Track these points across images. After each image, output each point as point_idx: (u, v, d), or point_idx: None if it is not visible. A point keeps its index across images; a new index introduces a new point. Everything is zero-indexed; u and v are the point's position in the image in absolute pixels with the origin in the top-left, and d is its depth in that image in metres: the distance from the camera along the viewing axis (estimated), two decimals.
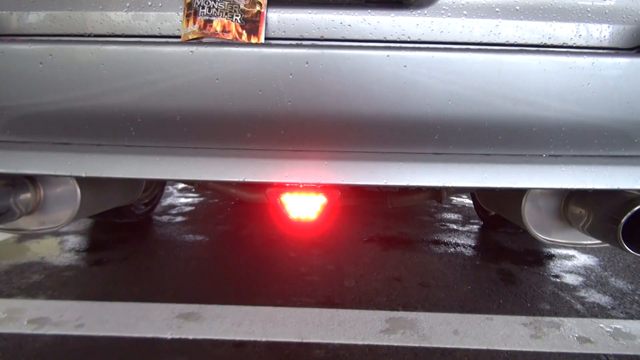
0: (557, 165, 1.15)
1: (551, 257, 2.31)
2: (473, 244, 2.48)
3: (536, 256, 2.32)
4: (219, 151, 1.13)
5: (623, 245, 1.15)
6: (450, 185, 1.12)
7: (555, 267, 2.16)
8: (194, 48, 1.01)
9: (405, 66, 1.00)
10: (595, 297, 1.82)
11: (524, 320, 1.59)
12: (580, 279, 2.02)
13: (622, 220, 1.16)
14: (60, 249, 2.24)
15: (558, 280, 1.99)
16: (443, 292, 1.83)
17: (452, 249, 2.37)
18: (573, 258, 2.30)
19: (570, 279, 2.01)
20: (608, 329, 1.54)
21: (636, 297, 1.82)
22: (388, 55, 0.99)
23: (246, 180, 1.12)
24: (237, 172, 1.12)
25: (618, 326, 1.57)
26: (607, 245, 1.34)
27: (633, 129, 1.14)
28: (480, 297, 1.80)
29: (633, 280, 2.01)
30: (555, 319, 1.61)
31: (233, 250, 2.27)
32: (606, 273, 2.10)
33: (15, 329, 1.48)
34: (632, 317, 1.64)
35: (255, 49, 1.03)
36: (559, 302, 1.76)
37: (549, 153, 1.15)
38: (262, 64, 1.03)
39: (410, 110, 1.04)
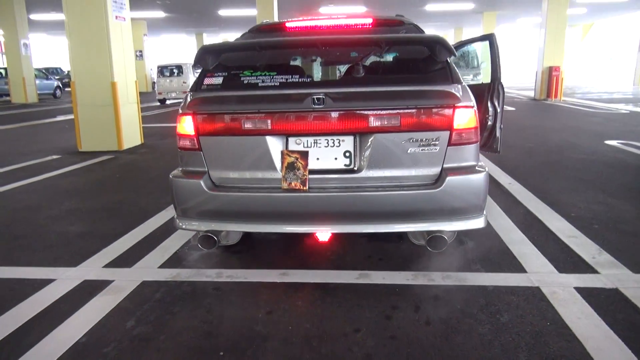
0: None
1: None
2: None
3: None
4: (291, 222, 3.54)
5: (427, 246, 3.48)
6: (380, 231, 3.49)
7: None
8: (287, 194, 3.42)
9: (354, 199, 3.36)
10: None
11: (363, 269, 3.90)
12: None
13: (427, 237, 3.49)
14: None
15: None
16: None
17: None
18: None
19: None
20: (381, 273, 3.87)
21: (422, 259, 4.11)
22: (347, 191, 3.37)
23: (301, 230, 3.54)
24: (302, 227, 3.52)
25: (389, 271, 3.87)
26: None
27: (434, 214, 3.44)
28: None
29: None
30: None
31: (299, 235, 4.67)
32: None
33: (208, 279, 3.91)
34: (394, 269, 3.92)
35: (305, 194, 3.42)
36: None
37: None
38: (309, 199, 3.44)
39: (362, 209, 3.40)
